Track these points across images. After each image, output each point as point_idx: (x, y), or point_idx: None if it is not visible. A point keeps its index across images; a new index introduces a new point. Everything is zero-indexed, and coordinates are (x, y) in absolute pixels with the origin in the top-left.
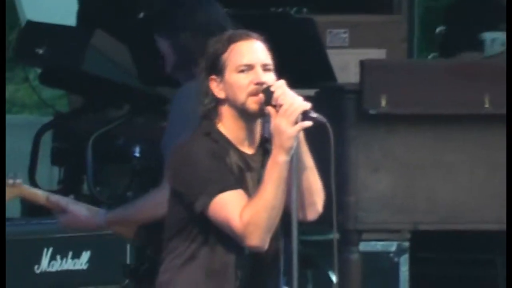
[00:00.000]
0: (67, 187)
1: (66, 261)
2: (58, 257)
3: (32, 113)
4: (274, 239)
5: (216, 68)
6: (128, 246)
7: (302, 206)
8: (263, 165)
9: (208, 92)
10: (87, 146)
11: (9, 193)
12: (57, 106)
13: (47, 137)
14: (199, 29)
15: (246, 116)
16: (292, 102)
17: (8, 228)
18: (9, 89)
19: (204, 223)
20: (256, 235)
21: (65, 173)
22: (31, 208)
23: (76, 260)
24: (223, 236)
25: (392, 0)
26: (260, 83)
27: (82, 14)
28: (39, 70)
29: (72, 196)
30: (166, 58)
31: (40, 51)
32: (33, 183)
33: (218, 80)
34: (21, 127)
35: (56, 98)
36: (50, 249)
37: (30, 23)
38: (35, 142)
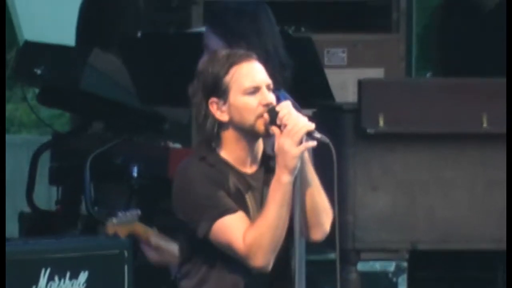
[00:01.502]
0: (65, 206)
1: (64, 282)
2: (56, 277)
3: (30, 132)
4: (285, 258)
5: (217, 90)
6: (126, 267)
7: (308, 225)
8: (265, 182)
9: (208, 115)
10: (85, 166)
11: (125, 230)
12: (55, 126)
13: (45, 157)
14: (256, 42)
15: (251, 137)
16: (296, 123)
17: (6, 248)
18: (8, 108)
19: (210, 248)
20: (260, 255)
21: (63, 192)
22: (29, 228)
23: (74, 281)
24: (230, 259)
25: (390, 19)
26: (268, 104)
27: (80, 34)
28: (37, 90)
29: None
30: None
31: (38, 71)
32: (30, 202)
33: (221, 102)
34: (20, 147)
35: (54, 118)
36: (48, 269)
37: (28, 43)
38: (33, 161)
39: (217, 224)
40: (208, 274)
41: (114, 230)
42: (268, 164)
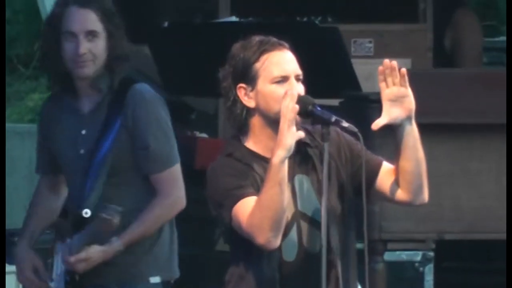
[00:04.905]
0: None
1: None
2: None
3: None
4: (327, 250)
5: (247, 77)
6: None
7: (410, 190)
8: (300, 171)
9: (237, 101)
10: None
11: None
12: None
13: None
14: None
15: (276, 125)
16: (287, 105)
17: None
18: (34, 98)
19: (241, 241)
20: (258, 234)
21: None
22: None
23: None
24: (264, 252)
25: (417, 9)
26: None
27: None
28: None
29: None
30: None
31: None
32: None
33: (249, 89)
34: None
35: None
36: None
37: None
38: None
39: (234, 208)
40: (246, 270)
41: None
42: (304, 151)
